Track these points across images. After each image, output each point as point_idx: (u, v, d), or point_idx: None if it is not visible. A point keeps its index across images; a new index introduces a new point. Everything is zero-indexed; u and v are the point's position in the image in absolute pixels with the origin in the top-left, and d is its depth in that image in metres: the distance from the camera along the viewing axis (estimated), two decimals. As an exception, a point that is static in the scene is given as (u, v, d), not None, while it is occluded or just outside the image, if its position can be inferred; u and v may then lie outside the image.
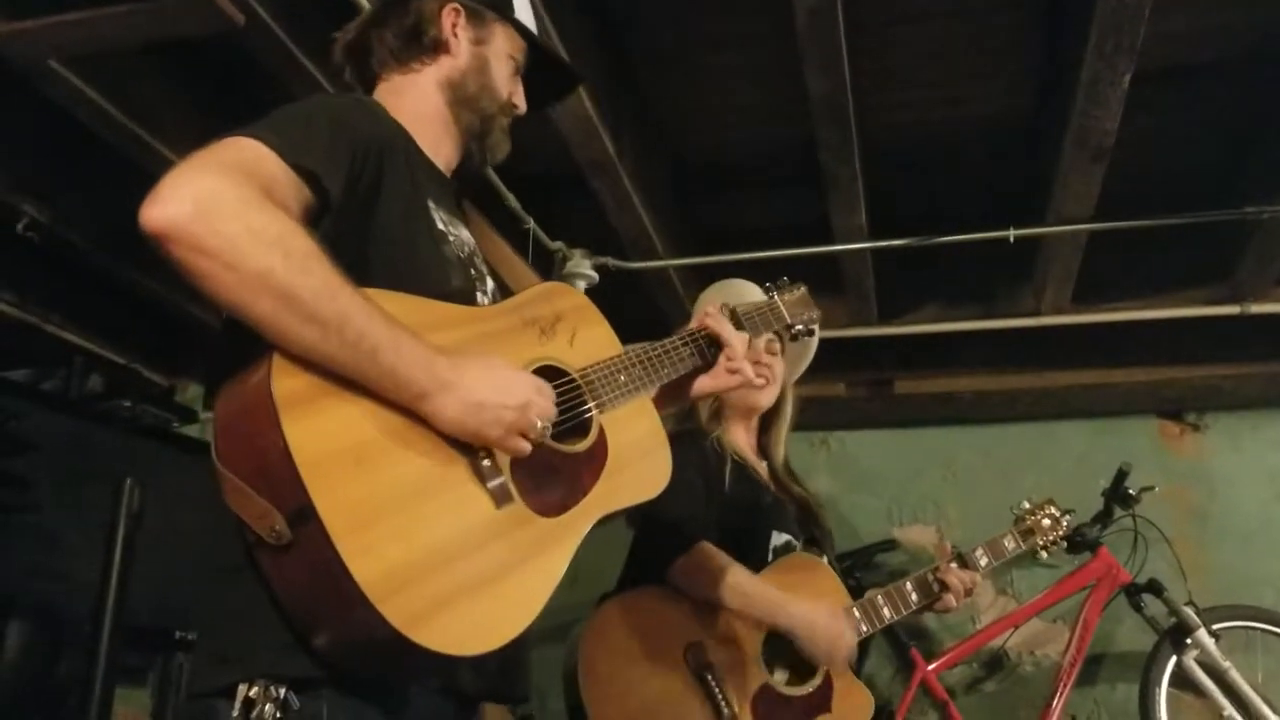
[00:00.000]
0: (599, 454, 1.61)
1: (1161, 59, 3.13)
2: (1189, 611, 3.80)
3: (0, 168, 3.32)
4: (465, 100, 1.79)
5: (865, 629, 2.62)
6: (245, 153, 1.36)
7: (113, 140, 3.21)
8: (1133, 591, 3.94)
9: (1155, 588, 3.89)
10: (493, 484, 1.41)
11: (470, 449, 1.41)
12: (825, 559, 2.77)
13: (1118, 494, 4.01)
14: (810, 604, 2.53)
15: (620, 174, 3.43)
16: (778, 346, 2.86)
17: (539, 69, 1.94)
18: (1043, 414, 4.68)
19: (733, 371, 1.90)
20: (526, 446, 1.43)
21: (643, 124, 3.58)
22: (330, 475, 1.25)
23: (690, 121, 3.69)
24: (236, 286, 1.27)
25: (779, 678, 2.51)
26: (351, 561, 1.22)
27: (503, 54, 1.84)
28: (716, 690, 2.40)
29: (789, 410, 2.95)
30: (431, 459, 1.37)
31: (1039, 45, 3.21)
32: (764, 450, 2.95)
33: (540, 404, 1.45)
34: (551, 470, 1.50)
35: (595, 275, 3.95)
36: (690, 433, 2.82)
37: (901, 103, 3.48)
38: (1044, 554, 3.09)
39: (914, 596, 2.73)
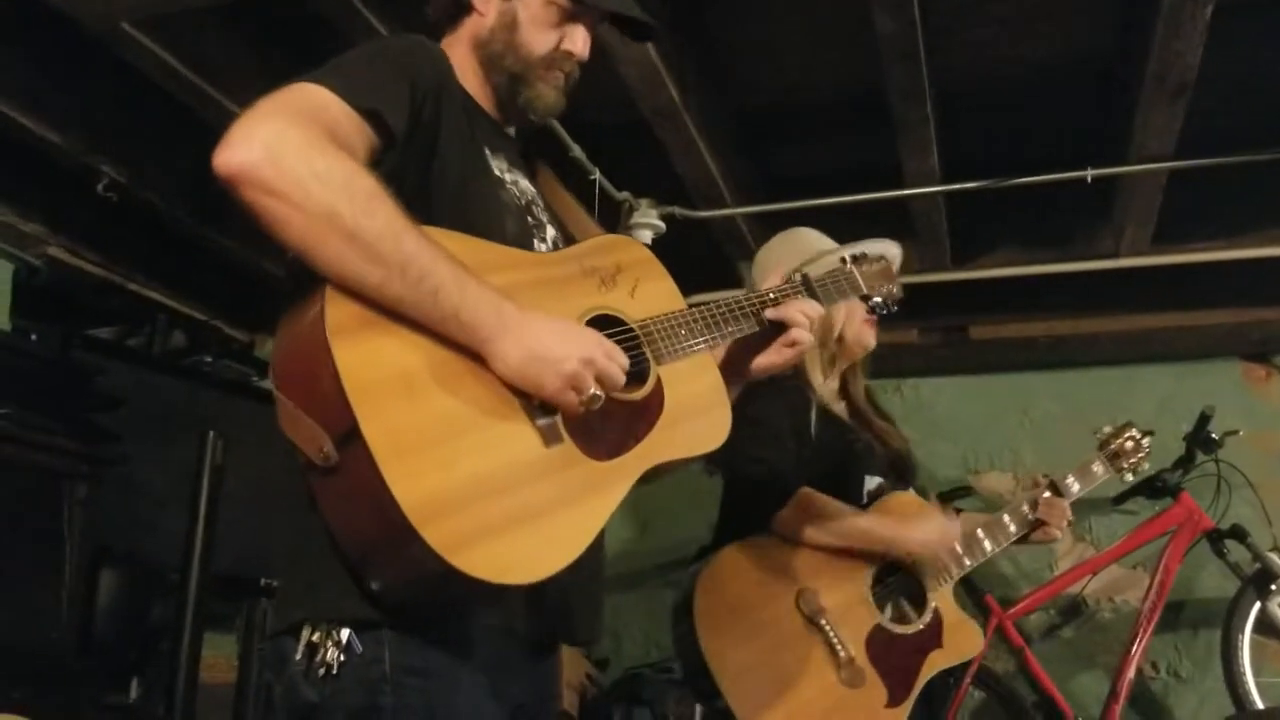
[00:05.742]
0: (655, 404, 1.60)
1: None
2: (1274, 557, 3.73)
3: (78, 130, 3.40)
4: (491, 60, 1.74)
5: (969, 562, 2.68)
6: (310, 97, 1.41)
7: (186, 99, 3.26)
8: (1215, 537, 3.87)
9: (1239, 533, 3.82)
10: (542, 422, 1.43)
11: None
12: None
13: (1200, 438, 3.94)
14: (923, 526, 2.58)
15: (686, 121, 3.40)
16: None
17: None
18: (1122, 358, 4.58)
19: (790, 345, 1.84)
20: (578, 406, 1.43)
21: (708, 70, 3.54)
22: (378, 400, 1.28)
23: (756, 66, 3.64)
24: (303, 228, 1.31)
25: (889, 616, 2.55)
26: (395, 484, 1.24)
27: (536, 5, 1.73)
28: (831, 634, 2.46)
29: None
30: (482, 393, 1.39)
31: (1117, -23, 3.12)
32: (844, 390, 2.92)
33: (602, 365, 1.44)
34: (605, 415, 1.49)
35: (662, 225, 3.94)
36: (773, 382, 2.79)
37: (973, 41, 3.39)
38: (1130, 476, 3.08)
39: (1012, 527, 2.79)
